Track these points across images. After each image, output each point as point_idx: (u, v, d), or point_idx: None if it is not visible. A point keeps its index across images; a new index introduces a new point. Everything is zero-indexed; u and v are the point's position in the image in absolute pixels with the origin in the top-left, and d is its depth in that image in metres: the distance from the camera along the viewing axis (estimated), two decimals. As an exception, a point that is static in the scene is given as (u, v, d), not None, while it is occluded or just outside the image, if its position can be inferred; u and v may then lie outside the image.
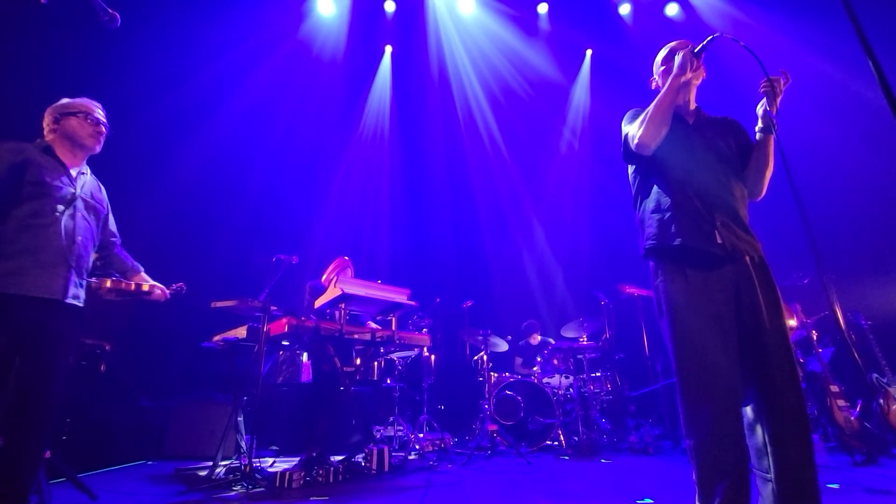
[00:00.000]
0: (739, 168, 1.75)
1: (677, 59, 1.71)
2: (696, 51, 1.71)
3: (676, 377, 1.53)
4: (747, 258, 1.60)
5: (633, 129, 1.75)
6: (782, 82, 1.68)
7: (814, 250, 1.40)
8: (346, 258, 4.14)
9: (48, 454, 2.24)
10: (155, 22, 4.93)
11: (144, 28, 4.77)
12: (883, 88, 1.00)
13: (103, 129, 2.15)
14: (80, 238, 2.00)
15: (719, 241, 1.58)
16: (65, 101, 2.12)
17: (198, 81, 5.52)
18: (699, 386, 1.47)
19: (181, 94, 5.35)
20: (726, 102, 2.93)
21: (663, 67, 1.86)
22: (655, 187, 1.75)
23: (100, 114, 2.15)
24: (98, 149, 2.16)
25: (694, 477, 1.44)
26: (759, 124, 1.71)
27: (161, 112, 5.12)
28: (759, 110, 1.71)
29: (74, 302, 1.96)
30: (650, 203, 1.75)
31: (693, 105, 1.85)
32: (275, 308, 3.17)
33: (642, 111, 1.77)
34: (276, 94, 6.34)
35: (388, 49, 7.21)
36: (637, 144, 1.71)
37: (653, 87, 1.94)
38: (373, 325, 4.04)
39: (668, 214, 1.67)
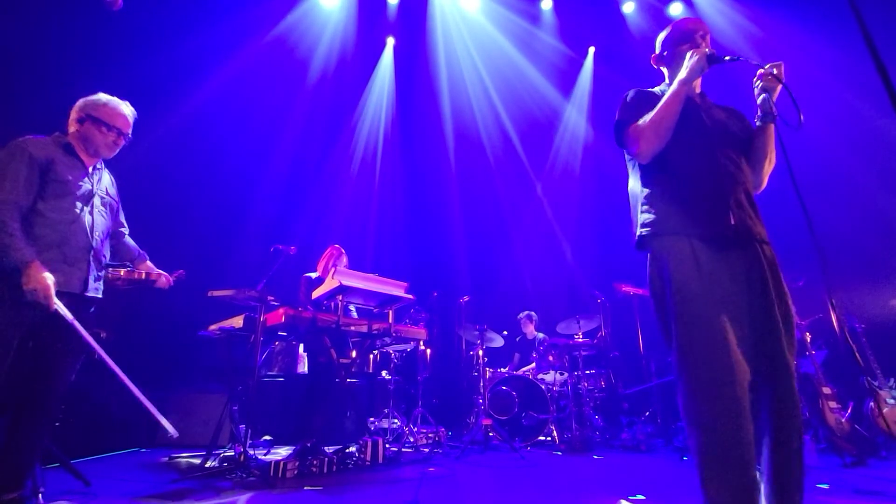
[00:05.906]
0: (747, 152, 1.66)
1: (689, 60, 1.59)
2: (709, 55, 1.59)
3: (681, 367, 1.42)
4: (758, 245, 1.52)
5: (631, 124, 1.62)
6: (778, 70, 1.57)
7: (819, 252, 1.38)
8: (338, 246, 4.13)
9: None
10: (153, 7, 4.87)
11: (144, 13, 4.72)
12: (888, 91, 1.00)
13: (123, 141, 2.14)
14: (98, 233, 2.05)
15: (732, 221, 1.48)
16: (99, 100, 2.08)
17: (198, 76, 5.47)
18: (708, 376, 1.37)
19: (180, 89, 5.31)
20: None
21: (666, 53, 1.77)
22: (661, 168, 1.60)
23: (127, 120, 2.13)
24: (111, 156, 2.17)
25: (698, 473, 1.36)
26: (759, 112, 1.62)
27: (161, 102, 5.06)
28: (759, 98, 1.62)
29: (93, 294, 2.02)
30: (654, 185, 1.62)
31: (699, 90, 1.77)
32: (272, 298, 3.16)
33: (645, 98, 1.68)
34: (275, 86, 6.28)
35: (390, 41, 7.17)
36: (637, 153, 1.60)
37: (655, 67, 1.84)
38: (354, 312, 4.01)
39: (676, 196, 1.55)
